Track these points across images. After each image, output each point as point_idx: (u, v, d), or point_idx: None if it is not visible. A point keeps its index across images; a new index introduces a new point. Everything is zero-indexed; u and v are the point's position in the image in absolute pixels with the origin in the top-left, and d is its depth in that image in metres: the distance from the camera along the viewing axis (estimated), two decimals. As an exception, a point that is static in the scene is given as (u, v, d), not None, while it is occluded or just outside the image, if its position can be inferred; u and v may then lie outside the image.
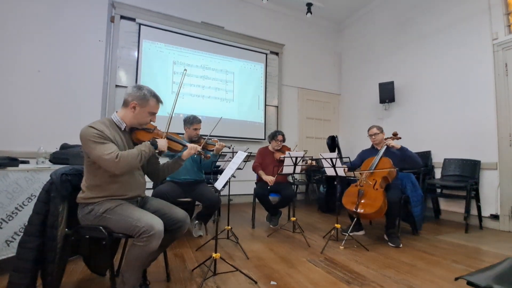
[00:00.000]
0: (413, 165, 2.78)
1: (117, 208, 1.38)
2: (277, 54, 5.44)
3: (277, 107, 5.39)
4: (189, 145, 1.70)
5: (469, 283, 0.97)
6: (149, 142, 1.50)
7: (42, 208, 1.41)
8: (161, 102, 1.59)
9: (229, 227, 2.62)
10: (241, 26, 5.07)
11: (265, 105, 5.22)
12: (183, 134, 2.76)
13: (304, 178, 5.40)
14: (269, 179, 3.06)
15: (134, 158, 1.39)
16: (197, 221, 2.80)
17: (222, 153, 2.83)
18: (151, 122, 1.62)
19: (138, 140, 1.58)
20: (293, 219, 3.00)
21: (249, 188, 3.58)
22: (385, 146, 2.80)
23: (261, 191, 3.14)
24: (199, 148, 1.72)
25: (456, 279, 1.02)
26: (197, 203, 2.94)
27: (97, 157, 1.33)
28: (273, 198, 3.25)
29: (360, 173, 2.81)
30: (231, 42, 4.95)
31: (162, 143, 1.56)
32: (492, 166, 3.40)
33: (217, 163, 3.00)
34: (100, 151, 1.32)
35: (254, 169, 3.32)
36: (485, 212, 3.41)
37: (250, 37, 5.11)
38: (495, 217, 3.34)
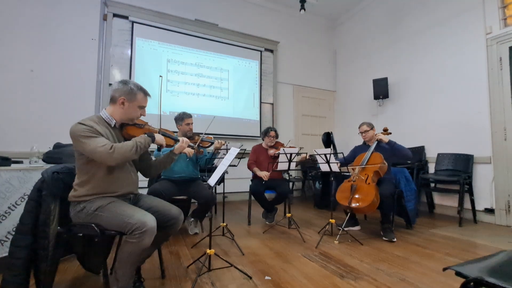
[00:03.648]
0: (403, 157, 2.81)
1: (109, 206, 1.37)
2: (271, 51, 5.43)
3: (273, 104, 5.39)
4: (181, 138, 1.71)
5: (457, 273, 0.96)
6: (146, 134, 1.49)
7: (33, 207, 1.40)
8: (148, 95, 1.59)
9: (224, 224, 2.63)
10: (235, 23, 5.05)
11: (260, 102, 5.21)
12: (177, 132, 2.76)
13: (300, 174, 5.42)
14: (263, 174, 3.08)
15: (128, 149, 1.38)
16: (192, 219, 2.81)
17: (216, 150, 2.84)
18: (142, 117, 1.62)
19: (129, 136, 1.57)
20: (288, 215, 3.01)
21: (245, 185, 3.58)
22: (376, 142, 2.86)
23: (257, 188, 3.15)
24: (190, 142, 1.74)
25: (445, 269, 1.00)
26: (192, 200, 2.95)
27: (91, 151, 1.31)
28: (269, 195, 3.26)
29: (353, 169, 2.83)
30: (225, 39, 4.93)
31: (160, 137, 1.56)
32: (485, 160, 3.44)
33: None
34: (94, 144, 1.31)
35: (249, 166, 3.33)
36: (479, 206, 3.44)
37: (244, 34, 5.09)
38: (489, 211, 3.37)
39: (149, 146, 1.50)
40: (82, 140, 1.32)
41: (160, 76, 1.60)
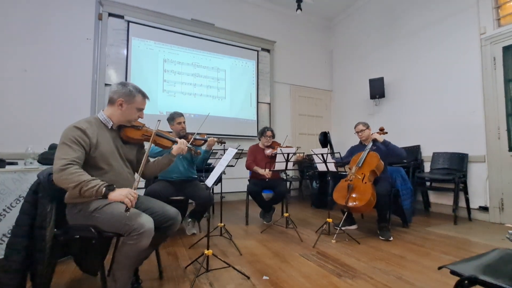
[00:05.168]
0: (397, 157, 2.84)
1: (106, 207, 1.36)
2: (268, 51, 5.43)
3: (270, 104, 5.39)
4: (179, 140, 1.71)
5: (452, 272, 0.98)
6: (105, 186, 1.29)
7: (29, 209, 1.39)
8: (147, 97, 1.59)
9: (222, 224, 2.63)
10: (231, 23, 5.04)
11: (257, 102, 5.22)
12: (171, 133, 2.75)
13: (298, 174, 5.44)
14: (266, 172, 3.08)
15: (73, 180, 1.25)
16: (190, 219, 2.80)
17: (214, 150, 2.84)
18: (139, 119, 1.61)
19: (128, 138, 1.57)
20: (286, 214, 3.02)
21: (242, 185, 3.59)
22: (372, 141, 2.88)
23: (254, 188, 3.16)
24: (188, 144, 1.74)
25: (440, 268, 1.02)
26: (190, 201, 2.94)
27: (55, 157, 1.31)
28: (266, 194, 3.27)
29: (349, 168, 2.85)
30: (222, 39, 4.92)
31: (119, 194, 1.28)
32: (480, 159, 3.48)
33: (209, 161, 2.99)
34: (60, 153, 1.31)
35: (248, 166, 3.32)
36: (474, 204, 3.48)
37: (241, 34, 5.09)
38: (484, 209, 3.41)
39: (96, 196, 1.29)
40: (60, 144, 1.34)
41: (159, 120, 1.59)
